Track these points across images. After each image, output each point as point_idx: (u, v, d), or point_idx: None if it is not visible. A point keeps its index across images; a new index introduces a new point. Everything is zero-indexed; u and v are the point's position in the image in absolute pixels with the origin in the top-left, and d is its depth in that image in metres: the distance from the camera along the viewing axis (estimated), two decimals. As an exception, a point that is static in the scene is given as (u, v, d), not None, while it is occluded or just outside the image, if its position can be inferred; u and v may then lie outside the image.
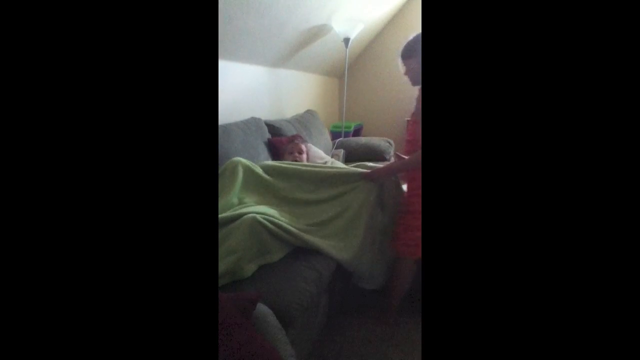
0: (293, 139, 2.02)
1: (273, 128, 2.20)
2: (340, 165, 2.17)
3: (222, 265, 1.03)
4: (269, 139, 2.08)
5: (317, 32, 2.54)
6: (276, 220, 1.18)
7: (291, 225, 1.21)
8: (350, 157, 2.72)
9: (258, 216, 1.14)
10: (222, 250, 1.08)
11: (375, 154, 2.73)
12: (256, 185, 1.43)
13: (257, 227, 1.12)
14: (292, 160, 1.81)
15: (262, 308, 0.87)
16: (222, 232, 1.14)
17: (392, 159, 2.85)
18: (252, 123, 2.02)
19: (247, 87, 2.33)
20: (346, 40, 2.70)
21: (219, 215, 1.19)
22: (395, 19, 3.38)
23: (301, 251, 1.21)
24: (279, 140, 2.08)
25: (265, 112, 2.46)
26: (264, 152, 1.96)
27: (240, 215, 1.17)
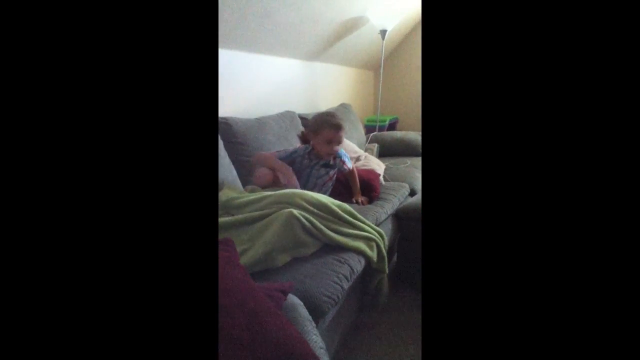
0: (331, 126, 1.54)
1: (307, 121, 2.20)
2: (373, 160, 2.15)
3: (256, 255, 1.06)
4: (302, 132, 2.09)
5: (354, 24, 2.51)
6: (310, 217, 1.19)
7: (323, 225, 1.21)
8: (384, 151, 2.68)
9: (295, 211, 1.16)
10: (259, 242, 1.11)
11: (411, 149, 2.67)
12: None
13: (293, 220, 1.14)
14: (326, 154, 1.58)
15: (292, 299, 0.87)
16: (259, 225, 1.17)
17: None
18: (286, 116, 2.03)
19: (283, 80, 2.34)
20: (383, 32, 2.65)
21: (256, 213, 1.22)
22: (434, 10, 3.27)
23: (333, 245, 1.20)
24: (313, 133, 2.08)
25: (300, 105, 2.47)
26: (297, 145, 1.97)
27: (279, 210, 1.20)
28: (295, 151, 1.62)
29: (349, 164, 1.71)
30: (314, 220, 1.18)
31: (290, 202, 1.21)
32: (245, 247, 1.11)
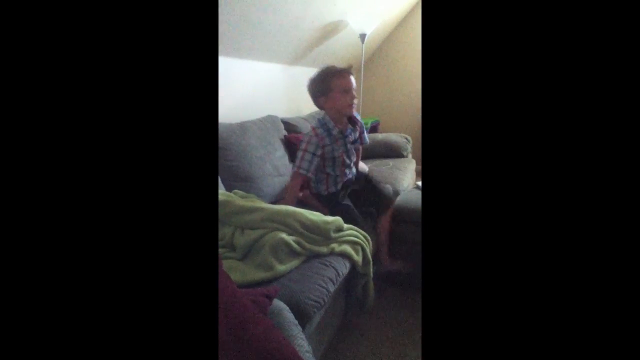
0: (341, 72, 1.40)
1: (289, 125, 2.21)
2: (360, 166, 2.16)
3: (257, 277, 1.06)
4: (285, 136, 2.08)
5: (333, 28, 2.53)
6: (300, 240, 1.20)
7: (312, 244, 1.22)
8: (367, 154, 2.69)
9: (286, 237, 1.16)
10: (253, 264, 1.11)
11: (393, 151, 2.70)
12: None
13: (281, 243, 1.14)
14: (348, 107, 1.42)
15: (278, 304, 0.87)
16: (249, 242, 1.17)
17: (409, 156, 2.81)
18: (268, 120, 2.03)
19: (264, 85, 2.34)
20: (362, 36, 2.68)
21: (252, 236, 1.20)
22: (412, 14, 3.33)
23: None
24: (295, 137, 2.09)
25: (282, 110, 2.46)
26: (280, 149, 1.96)
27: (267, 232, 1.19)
28: (323, 133, 1.45)
29: (366, 138, 1.62)
30: (303, 242, 1.19)
31: (283, 222, 1.21)
32: (236, 265, 1.11)
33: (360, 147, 1.69)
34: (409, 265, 1.55)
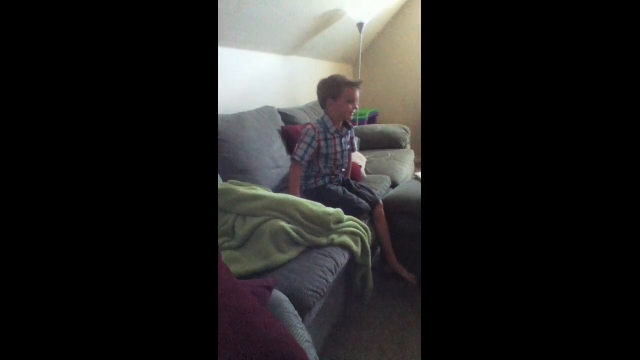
0: (351, 84, 1.55)
1: (286, 116, 2.19)
2: (355, 153, 2.15)
3: (257, 266, 1.06)
4: (282, 127, 2.07)
5: (331, 18, 2.50)
6: (300, 230, 1.19)
7: (312, 234, 1.22)
8: (365, 145, 2.69)
9: (286, 226, 1.15)
10: (253, 251, 1.11)
11: (392, 142, 2.69)
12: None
13: (280, 232, 1.13)
14: (349, 114, 1.57)
15: (277, 294, 0.87)
16: (249, 231, 1.17)
17: (408, 147, 2.81)
18: (265, 112, 2.01)
19: (261, 76, 2.31)
20: (360, 25, 2.65)
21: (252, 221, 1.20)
22: (410, 3, 3.29)
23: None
24: (293, 128, 2.07)
25: (279, 101, 2.44)
26: (277, 140, 1.95)
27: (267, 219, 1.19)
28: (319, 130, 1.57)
29: (356, 146, 1.76)
30: (303, 232, 1.19)
31: (284, 211, 1.21)
32: (236, 256, 1.10)
33: (352, 154, 1.82)
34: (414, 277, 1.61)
